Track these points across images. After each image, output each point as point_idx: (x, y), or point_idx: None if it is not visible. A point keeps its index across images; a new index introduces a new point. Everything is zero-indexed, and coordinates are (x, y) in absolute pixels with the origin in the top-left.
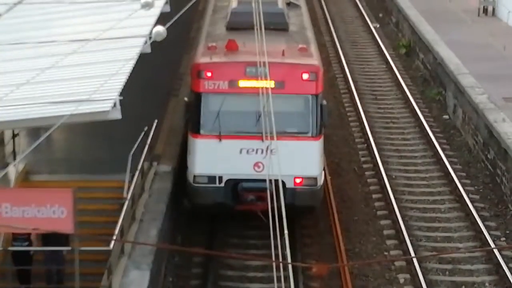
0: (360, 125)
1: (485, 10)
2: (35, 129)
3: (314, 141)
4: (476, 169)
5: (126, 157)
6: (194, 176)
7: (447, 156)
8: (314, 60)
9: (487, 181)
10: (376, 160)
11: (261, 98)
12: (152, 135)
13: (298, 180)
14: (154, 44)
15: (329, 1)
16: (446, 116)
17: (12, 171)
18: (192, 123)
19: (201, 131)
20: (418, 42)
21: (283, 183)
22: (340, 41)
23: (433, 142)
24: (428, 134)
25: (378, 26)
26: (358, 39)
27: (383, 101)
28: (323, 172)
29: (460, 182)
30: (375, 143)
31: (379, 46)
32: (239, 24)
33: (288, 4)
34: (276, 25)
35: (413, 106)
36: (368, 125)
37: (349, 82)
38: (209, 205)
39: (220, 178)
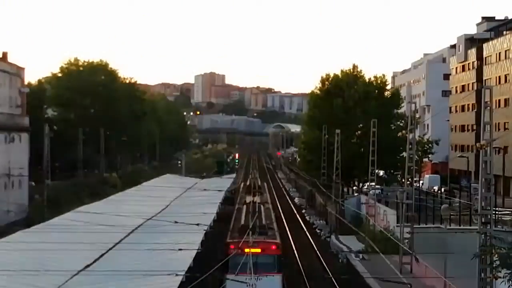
0: None
1: None
2: None
3: (277, 275)
4: None
5: None
6: None
7: None
8: (278, 240)
9: None
10: None
11: (254, 256)
12: None
13: None
14: None
15: None
16: None
17: None
18: (224, 268)
19: (229, 271)
20: None
21: None
22: None
23: None
24: None
25: None
26: None
27: None
28: None
29: None
30: None
31: None
32: (244, 230)
33: (269, 227)
34: (261, 231)
35: None
36: None
37: None
38: None
39: None
